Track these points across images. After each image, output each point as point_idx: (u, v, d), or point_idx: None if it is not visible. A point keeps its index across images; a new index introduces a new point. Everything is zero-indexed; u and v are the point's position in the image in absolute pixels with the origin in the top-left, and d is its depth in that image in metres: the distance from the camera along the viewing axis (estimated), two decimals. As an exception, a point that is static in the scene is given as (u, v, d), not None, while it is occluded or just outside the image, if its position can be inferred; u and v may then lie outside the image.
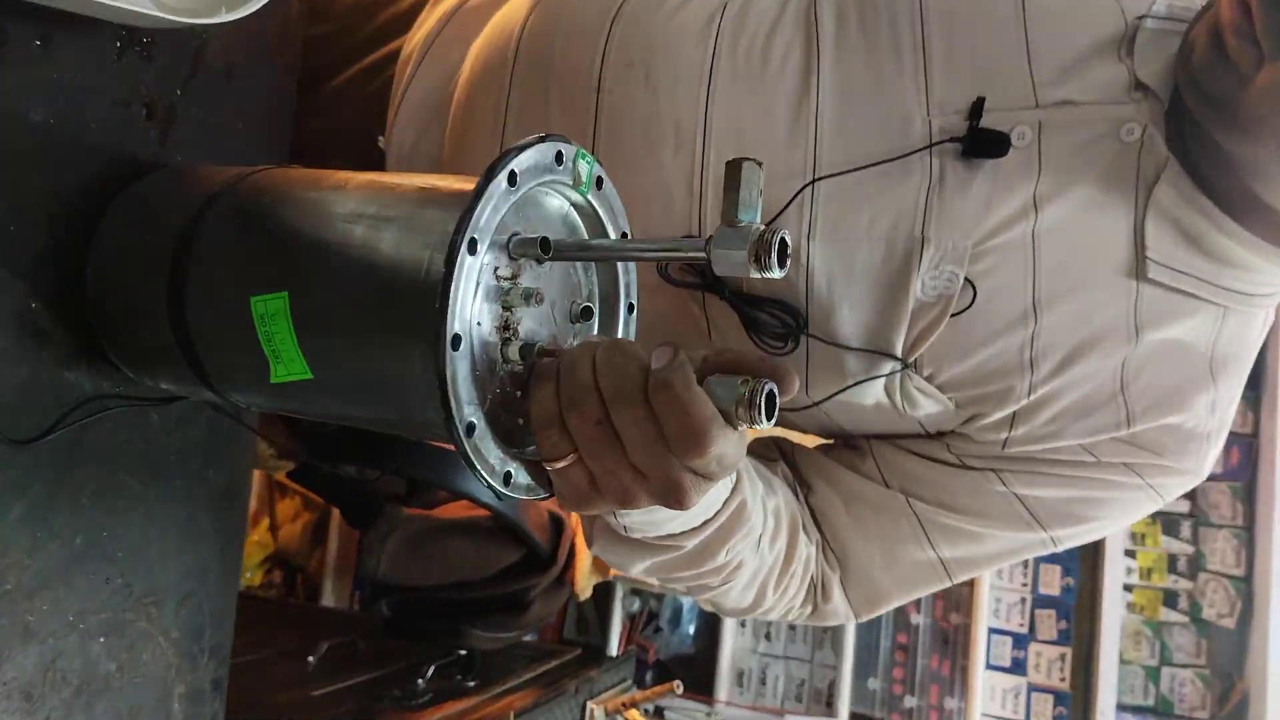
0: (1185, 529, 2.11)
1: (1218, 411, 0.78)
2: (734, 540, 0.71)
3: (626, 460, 0.49)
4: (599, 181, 0.57)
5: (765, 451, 0.89)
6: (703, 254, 0.48)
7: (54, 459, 0.63)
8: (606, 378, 0.48)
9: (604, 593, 2.10)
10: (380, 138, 0.91)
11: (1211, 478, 2.09)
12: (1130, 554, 2.11)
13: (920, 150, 0.72)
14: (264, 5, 0.63)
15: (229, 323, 0.55)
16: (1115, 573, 2.06)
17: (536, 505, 1.54)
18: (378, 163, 0.92)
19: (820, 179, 0.73)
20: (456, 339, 0.47)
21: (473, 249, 0.47)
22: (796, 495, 0.84)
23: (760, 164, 0.49)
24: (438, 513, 1.48)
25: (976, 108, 0.72)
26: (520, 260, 0.52)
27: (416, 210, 0.51)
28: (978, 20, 0.75)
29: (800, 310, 0.75)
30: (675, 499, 0.49)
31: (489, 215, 0.48)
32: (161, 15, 0.60)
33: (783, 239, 0.47)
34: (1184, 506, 2.11)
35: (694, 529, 0.69)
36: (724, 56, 0.76)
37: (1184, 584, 2.11)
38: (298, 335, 0.52)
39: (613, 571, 1.78)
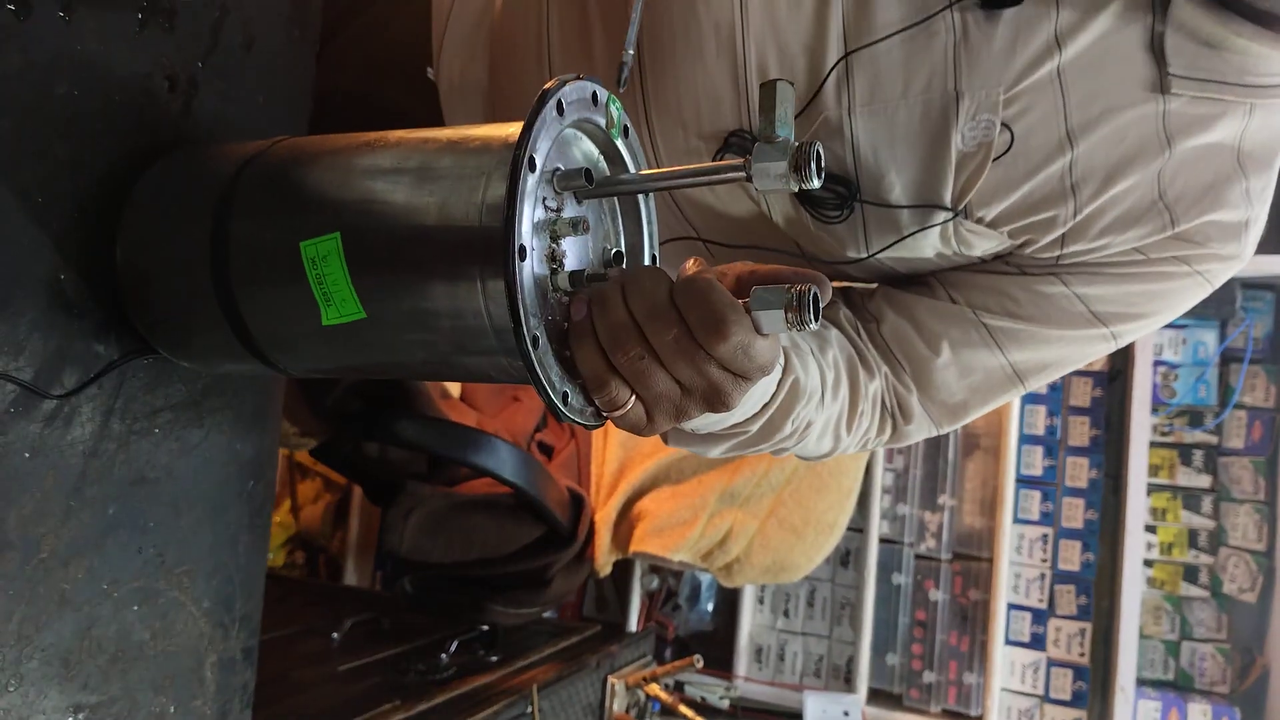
0: (1206, 504, 2.10)
1: (1253, 199, 0.81)
2: (796, 411, 0.74)
3: (672, 379, 0.53)
4: (625, 130, 0.59)
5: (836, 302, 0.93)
6: (743, 173, 0.51)
7: (85, 431, 0.64)
8: (637, 302, 0.51)
9: (623, 570, 2.11)
10: (429, 69, 0.95)
11: (1234, 452, 2.09)
12: (1150, 529, 2.10)
13: (941, 10, 0.75)
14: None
15: (276, 273, 0.56)
16: (1135, 548, 2.05)
17: (557, 483, 1.55)
18: (430, 91, 0.95)
19: (851, 52, 0.76)
20: (522, 249, 0.49)
21: (531, 165, 0.50)
22: (858, 333, 0.88)
23: (792, 83, 0.52)
24: (459, 490, 1.50)
25: None
26: (564, 194, 0.55)
27: (467, 146, 0.53)
28: None
29: (851, 179, 0.79)
30: (720, 401, 0.53)
31: (544, 138, 0.51)
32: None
33: (818, 151, 0.50)
34: (1205, 481, 2.11)
35: (754, 415, 0.71)
36: None
37: (1205, 559, 2.10)
38: (351, 274, 0.53)
39: (632, 548, 1.79)
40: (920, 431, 0.90)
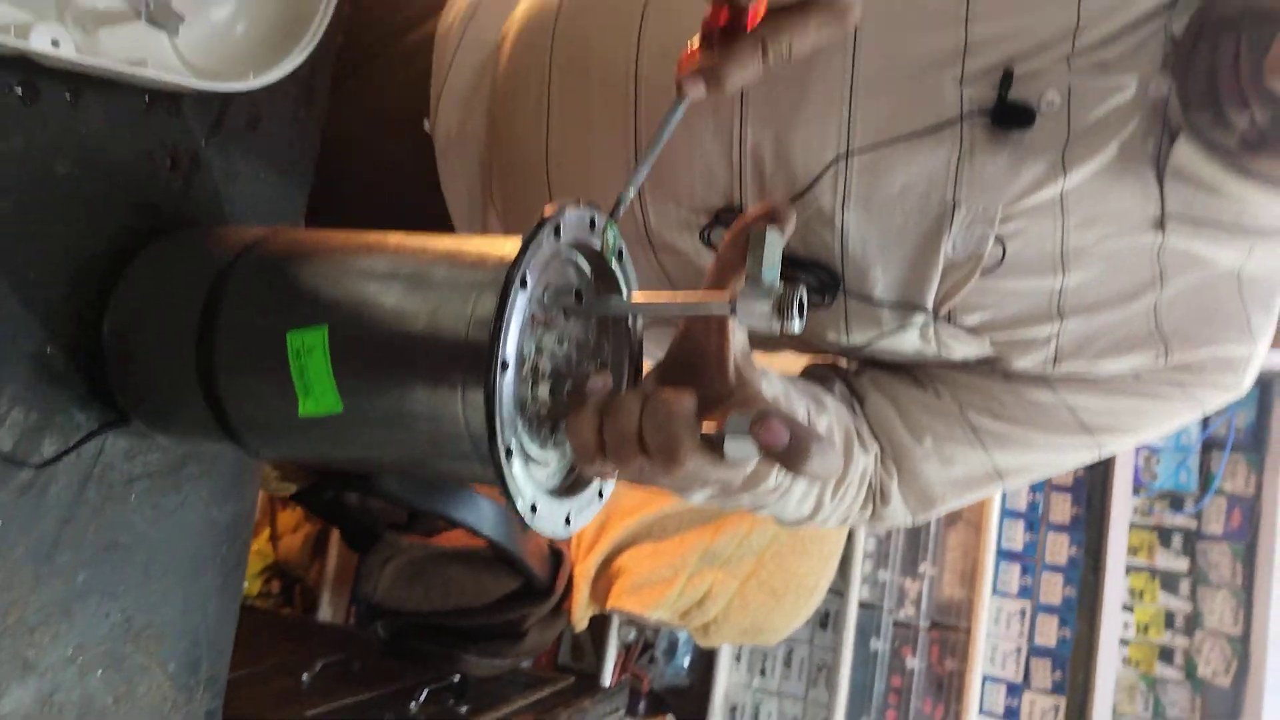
0: (1184, 586, 2.11)
1: (1255, 335, 0.81)
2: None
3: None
4: (620, 254, 0.60)
5: (823, 374, 0.93)
6: (728, 310, 0.52)
7: (60, 497, 0.64)
8: (610, 430, 0.52)
9: (600, 622, 2.10)
10: (426, 120, 0.96)
11: (1213, 537, 2.10)
12: (1128, 609, 2.11)
13: (951, 124, 0.75)
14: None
15: (260, 359, 0.57)
16: (1112, 626, 2.06)
17: (536, 537, 1.55)
18: (425, 144, 0.96)
19: (853, 153, 0.76)
20: (504, 364, 0.50)
21: (524, 283, 0.51)
22: (853, 410, 0.88)
23: (781, 231, 0.54)
24: (437, 541, 1.50)
25: (1006, 79, 0.74)
26: (552, 310, 0.56)
27: (463, 260, 0.54)
28: None
29: (836, 270, 0.79)
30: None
31: (538, 259, 0.52)
32: (191, 82, 0.61)
33: (802, 299, 0.51)
34: (1184, 564, 2.11)
35: None
36: None
37: (1181, 641, 2.11)
38: (334, 367, 0.54)
39: (610, 604, 1.78)
40: (895, 517, 0.90)
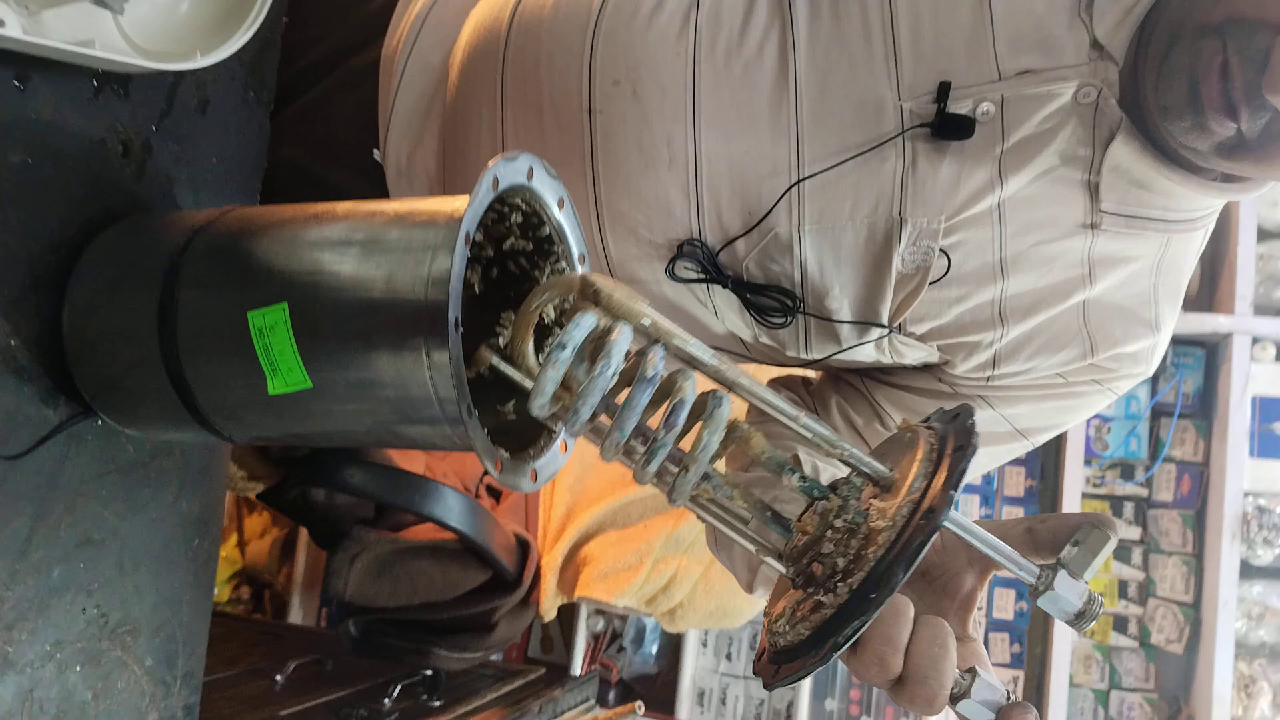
0: (1136, 555, 2.17)
1: (1161, 325, 0.86)
2: None
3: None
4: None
5: (794, 388, 0.99)
6: (1035, 583, 0.53)
7: (32, 493, 0.65)
8: (919, 663, 0.53)
9: (568, 612, 2.12)
10: (375, 150, 0.94)
11: (1163, 505, 2.15)
12: (1083, 579, 2.16)
13: (893, 138, 0.78)
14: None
15: (223, 342, 0.58)
16: (1068, 597, 2.10)
17: (503, 529, 1.57)
18: (376, 172, 0.95)
19: (805, 178, 0.79)
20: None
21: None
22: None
23: (1116, 539, 0.54)
24: (405, 535, 1.50)
25: (943, 91, 0.76)
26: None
27: (414, 220, 0.55)
28: None
29: (796, 293, 0.82)
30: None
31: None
32: (138, 61, 0.62)
33: (1099, 610, 0.52)
34: (1135, 534, 2.17)
35: None
36: (704, 60, 0.80)
37: (1134, 609, 2.16)
38: (298, 343, 0.55)
39: (577, 593, 1.80)
40: None
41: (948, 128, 0.76)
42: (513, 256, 0.67)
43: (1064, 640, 2.08)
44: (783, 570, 0.55)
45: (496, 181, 0.56)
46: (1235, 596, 2.03)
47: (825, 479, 0.59)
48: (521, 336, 0.59)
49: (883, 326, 0.82)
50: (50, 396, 0.65)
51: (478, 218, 0.54)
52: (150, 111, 0.72)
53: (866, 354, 0.86)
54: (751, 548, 0.55)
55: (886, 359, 0.87)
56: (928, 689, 0.52)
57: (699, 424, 0.53)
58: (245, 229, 0.61)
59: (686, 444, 0.54)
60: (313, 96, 0.97)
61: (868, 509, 0.52)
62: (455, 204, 0.54)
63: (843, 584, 0.49)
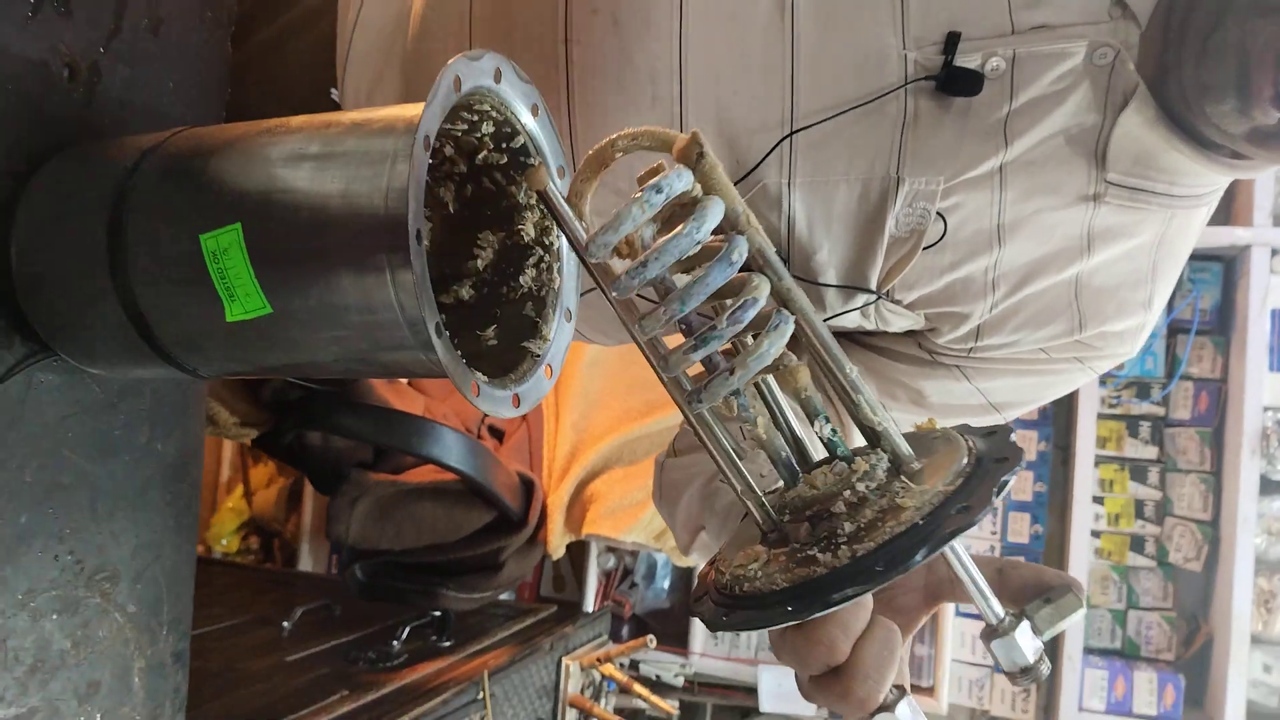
0: (1153, 475, 2.14)
1: (1153, 305, 0.83)
2: None
3: None
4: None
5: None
6: (999, 625, 0.50)
7: (-6, 438, 0.62)
8: (860, 658, 0.50)
9: (579, 550, 2.11)
10: (333, 90, 0.90)
11: (1180, 423, 2.12)
12: (1098, 500, 2.13)
13: (895, 90, 0.72)
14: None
15: (178, 269, 0.54)
16: (1083, 519, 2.08)
17: (505, 468, 1.55)
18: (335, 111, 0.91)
19: (798, 130, 0.73)
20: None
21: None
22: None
23: (1084, 606, 0.51)
24: (405, 477, 1.49)
25: (951, 42, 0.71)
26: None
27: (370, 129, 0.52)
28: None
29: (783, 251, 0.77)
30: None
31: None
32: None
33: (1040, 677, 0.50)
34: (1152, 453, 2.14)
35: None
36: None
37: (1151, 529, 2.14)
38: (254, 267, 0.52)
39: (584, 530, 1.79)
40: None
41: (954, 82, 0.70)
42: (487, 172, 0.63)
43: (1081, 561, 2.06)
44: (759, 518, 0.52)
45: (459, 81, 0.52)
46: (1255, 513, 2.00)
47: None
48: (586, 176, 0.53)
49: (870, 292, 0.77)
50: (4, 336, 0.62)
51: (438, 120, 0.50)
52: (97, 31, 0.68)
53: (852, 319, 0.81)
54: (738, 485, 0.52)
55: (871, 325, 0.82)
56: (866, 687, 0.49)
57: (749, 334, 0.49)
58: (195, 149, 0.57)
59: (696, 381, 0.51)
60: (268, 36, 0.92)
61: (894, 484, 0.50)
62: (415, 110, 0.50)
63: (846, 548, 0.47)
